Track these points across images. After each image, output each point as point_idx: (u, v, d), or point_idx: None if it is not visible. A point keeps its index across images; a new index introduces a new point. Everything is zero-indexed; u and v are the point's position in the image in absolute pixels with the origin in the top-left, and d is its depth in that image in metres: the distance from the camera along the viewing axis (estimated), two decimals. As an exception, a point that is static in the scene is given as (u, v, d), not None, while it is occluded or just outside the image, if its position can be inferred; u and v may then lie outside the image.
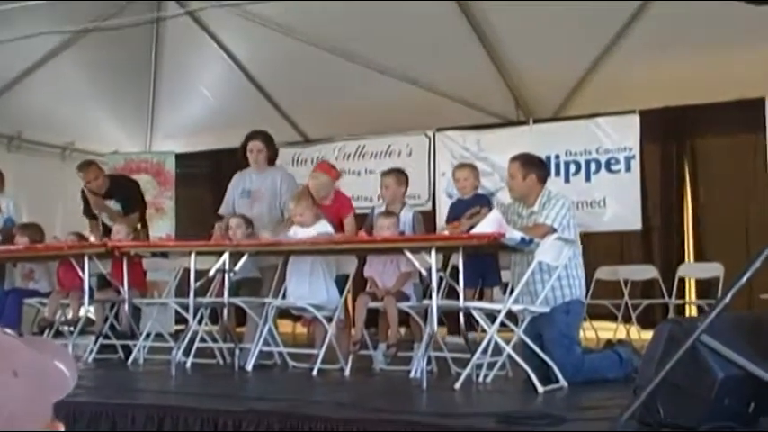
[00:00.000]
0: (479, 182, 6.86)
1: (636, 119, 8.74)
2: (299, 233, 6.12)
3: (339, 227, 6.45)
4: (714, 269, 8.02)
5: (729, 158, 8.62)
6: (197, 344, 6.34)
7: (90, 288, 6.67)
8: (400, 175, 6.67)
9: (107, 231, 7.45)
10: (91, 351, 6.72)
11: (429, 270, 5.27)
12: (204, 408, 4.32)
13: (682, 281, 8.46)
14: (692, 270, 8.49)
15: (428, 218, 8.21)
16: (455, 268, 5.53)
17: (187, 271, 6.38)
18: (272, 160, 7.01)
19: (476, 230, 5.27)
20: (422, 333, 5.79)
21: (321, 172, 6.69)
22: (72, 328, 6.81)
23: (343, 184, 7.25)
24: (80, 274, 6.58)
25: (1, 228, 7.92)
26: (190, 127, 10.80)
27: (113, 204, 7.62)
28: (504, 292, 6.07)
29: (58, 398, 1.20)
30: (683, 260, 8.69)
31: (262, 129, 7.07)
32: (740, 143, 8.67)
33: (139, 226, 7.68)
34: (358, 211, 6.87)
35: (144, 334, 6.75)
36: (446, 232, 6.17)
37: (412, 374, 5.55)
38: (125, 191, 7.78)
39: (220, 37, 9.83)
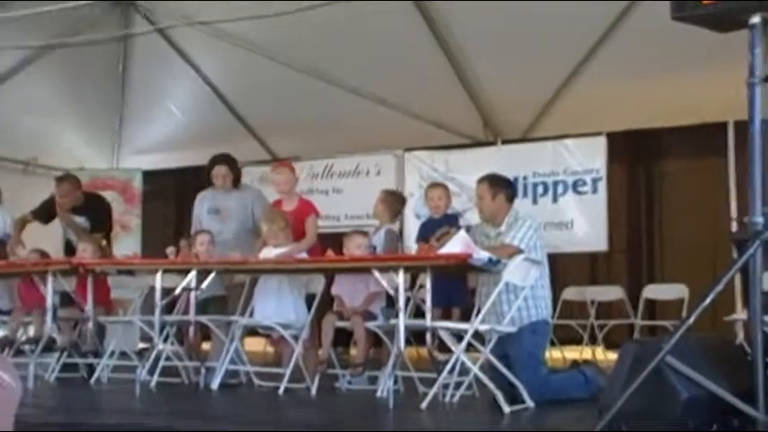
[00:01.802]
0: (451, 201, 6.89)
1: (603, 141, 8.81)
2: (271, 254, 6.12)
3: (302, 232, 6.44)
4: (679, 290, 8.10)
5: (693, 181, 8.72)
6: (162, 362, 6.27)
7: (53, 306, 6.58)
8: (387, 195, 6.76)
9: (71, 249, 7.37)
10: (53, 370, 6.63)
11: (396, 289, 5.26)
12: (170, 428, 4.26)
13: (647, 302, 8.53)
14: (657, 291, 8.55)
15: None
16: (423, 288, 5.53)
17: (153, 289, 6.33)
18: (236, 181, 7.05)
19: (443, 251, 5.29)
20: (389, 353, 5.77)
21: (283, 167, 6.88)
22: (34, 347, 6.69)
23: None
24: (42, 291, 6.49)
25: None
26: (157, 144, 10.73)
27: (83, 221, 7.56)
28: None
29: (8, 411, 1.16)
30: (648, 281, 8.76)
31: (224, 151, 7.10)
32: (704, 166, 8.77)
33: (104, 242, 7.62)
34: (325, 231, 6.85)
35: (108, 352, 6.67)
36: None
37: (378, 394, 5.53)
38: (96, 209, 7.72)
39: (190, 54, 9.79)
